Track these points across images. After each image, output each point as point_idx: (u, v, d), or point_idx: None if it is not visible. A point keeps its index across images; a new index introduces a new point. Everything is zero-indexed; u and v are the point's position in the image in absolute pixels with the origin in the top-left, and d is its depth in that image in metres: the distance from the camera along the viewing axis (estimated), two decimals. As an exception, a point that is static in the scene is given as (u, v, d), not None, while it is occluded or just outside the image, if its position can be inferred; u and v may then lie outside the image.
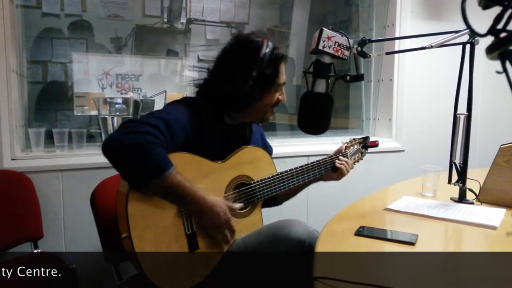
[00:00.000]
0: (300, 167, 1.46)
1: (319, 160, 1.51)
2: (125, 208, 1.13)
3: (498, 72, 0.53)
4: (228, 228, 1.25)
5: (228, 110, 1.37)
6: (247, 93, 1.29)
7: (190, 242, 1.22)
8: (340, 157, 1.53)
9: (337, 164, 1.51)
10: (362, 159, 1.67)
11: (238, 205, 1.31)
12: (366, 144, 1.67)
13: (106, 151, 1.12)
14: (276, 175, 1.42)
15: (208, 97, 1.36)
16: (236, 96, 1.29)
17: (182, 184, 1.15)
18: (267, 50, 1.30)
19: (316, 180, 1.54)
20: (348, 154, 1.59)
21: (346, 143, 1.62)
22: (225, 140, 1.35)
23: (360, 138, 1.67)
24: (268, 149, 1.57)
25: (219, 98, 1.33)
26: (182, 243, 1.21)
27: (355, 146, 1.64)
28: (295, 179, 1.45)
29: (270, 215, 1.48)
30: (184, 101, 1.35)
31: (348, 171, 1.53)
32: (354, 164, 1.62)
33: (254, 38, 1.34)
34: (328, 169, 1.52)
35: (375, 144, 1.69)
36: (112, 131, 2.04)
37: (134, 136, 1.10)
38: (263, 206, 1.48)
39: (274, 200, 1.58)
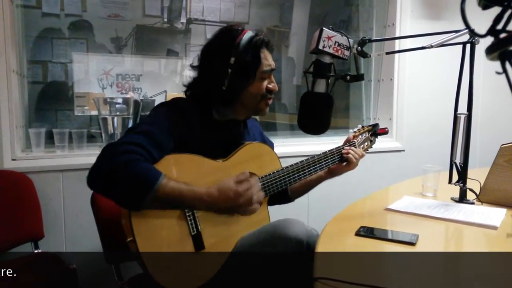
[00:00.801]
0: (306, 160, 1.44)
1: (326, 152, 1.48)
2: (128, 211, 1.12)
3: (498, 73, 0.52)
4: (250, 196, 1.19)
5: (216, 105, 1.34)
6: (229, 84, 1.27)
7: (196, 242, 1.21)
8: (345, 147, 1.51)
9: (344, 155, 1.49)
10: (371, 147, 1.64)
11: (245, 174, 1.24)
12: (375, 132, 1.64)
13: (91, 184, 1.09)
14: (281, 170, 1.40)
15: (195, 94, 1.35)
16: (218, 88, 1.27)
17: (178, 189, 1.12)
18: (245, 37, 1.28)
19: (329, 175, 1.52)
20: (356, 143, 1.56)
21: (354, 131, 1.60)
22: (215, 137, 1.33)
23: (369, 126, 1.64)
24: (269, 144, 1.55)
25: (203, 92, 1.32)
26: (187, 243, 1.20)
27: (364, 135, 1.61)
28: (301, 173, 1.42)
29: (270, 214, 1.47)
30: (167, 103, 1.33)
31: (357, 159, 1.50)
32: (366, 151, 1.59)
33: (234, 28, 1.33)
34: (336, 160, 1.49)
35: (384, 131, 1.65)
36: (112, 131, 2.04)
37: (113, 160, 1.07)
38: (275, 202, 1.47)
39: (286, 197, 1.57)
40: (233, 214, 1.25)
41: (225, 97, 1.30)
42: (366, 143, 1.62)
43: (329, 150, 1.50)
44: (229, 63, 1.26)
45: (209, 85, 1.31)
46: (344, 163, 1.51)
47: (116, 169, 1.06)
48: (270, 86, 1.36)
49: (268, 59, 1.34)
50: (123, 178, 1.06)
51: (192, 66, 1.38)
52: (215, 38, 1.35)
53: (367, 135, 1.63)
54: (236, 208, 1.19)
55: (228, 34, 1.32)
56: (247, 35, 1.29)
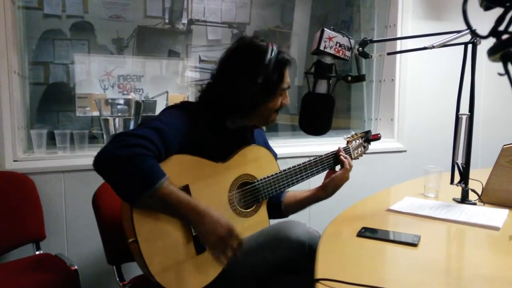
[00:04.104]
0: (303, 163, 1.46)
1: (322, 156, 1.50)
2: (130, 212, 1.12)
3: (500, 74, 0.52)
4: (232, 242, 1.15)
5: (232, 116, 1.35)
6: (251, 99, 1.28)
7: (197, 244, 1.21)
8: (341, 153, 1.51)
9: (341, 157, 1.49)
10: (365, 153, 1.66)
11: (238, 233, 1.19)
12: (368, 138, 1.66)
13: (97, 167, 1.10)
14: (279, 172, 1.42)
15: (211, 102, 1.34)
16: (240, 101, 1.28)
17: (176, 195, 1.12)
18: (273, 56, 1.28)
19: (324, 193, 1.49)
20: (351, 148, 1.59)
21: (348, 137, 1.62)
22: (224, 144, 1.34)
23: (362, 132, 1.67)
24: (272, 153, 1.54)
25: (223, 103, 1.31)
26: (189, 245, 1.20)
27: (357, 141, 1.63)
28: (298, 175, 1.45)
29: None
30: (180, 106, 1.33)
31: (350, 167, 1.49)
32: (357, 158, 1.62)
33: (259, 43, 1.31)
34: (331, 164, 1.51)
35: (377, 137, 1.67)
36: (114, 132, 2.04)
37: (123, 150, 1.08)
38: (268, 216, 1.47)
39: (279, 212, 1.56)
40: (211, 243, 1.15)
41: (245, 111, 1.31)
42: (359, 149, 1.64)
43: (324, 154, 1.51)
44: (256, 81, 1.26)
45: (230, 98, 1.29)
46: (337, 170, 1.50)
47: (126, 159, 1.07)
48: (283, 101, 1.37)
49: (287, 77, 1.35)
50: (130, 169, 1.07)
51: (212, 77, 1.37)
52: (240, 51, 1.33)
53: (361, 141, 1.65)
54: (219, 239, 1.14)
55: (255, 50, 1.30)
56: (274, 53, 1.28)
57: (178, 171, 1.18)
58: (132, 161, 1.07)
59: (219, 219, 1.15)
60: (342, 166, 1.49)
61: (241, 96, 1.27)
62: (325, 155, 1.51)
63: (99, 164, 1.10)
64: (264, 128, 1.59)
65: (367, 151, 1.68)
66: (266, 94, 1.30)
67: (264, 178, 1.39)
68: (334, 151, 1.53)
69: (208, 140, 1.29)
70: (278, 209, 1.54)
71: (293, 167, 1.45)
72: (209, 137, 1.30)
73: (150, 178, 1.08)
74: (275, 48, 1.30)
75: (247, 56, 1.30)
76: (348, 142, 1.60)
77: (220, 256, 1.15)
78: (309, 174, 1.47)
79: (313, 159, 1.49)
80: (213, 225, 1.14)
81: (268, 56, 1.27)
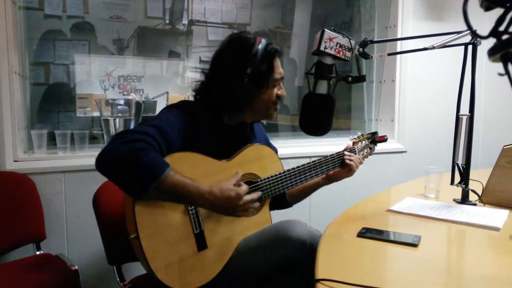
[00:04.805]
0: (308, 163, 1.46)
1: (327, 156, 1.50)
2: (132, 208, 1.13)
3: (501, 74, 0.52)
4: (246, 204, 1.23)
5: (228, 112, 1.36)
6: (244, 92, 1.28)
7: (198, 241, 1.22)
8: (347, 153, 1.53)
9: (346, 161, 1.51)
10: (371, 154, 1.66)
11: (237, 175, 1.28)
12: (374, 139, 1.66)
13: (99, 166, 1.10)
14: (283, 172, 1.42)
15: (206, 100, 1.35)
16: (233, 96, 1.29)
17: (183, 183, 1.13)
18: (260, 46, 1.29)
19: (327, 181, 1.54)
20: (356, 149, 1.58)
21: (354, 138, 1.62)
22: (224, 141, 1.34)
23: (368, 134, 1.67)
24: (273, 149, 1.55)
25: (216, 99, 1.32)
26: (190, 242, 1.21)
27: (363, 142, 1.63)
28: (302, 176, 1.44)
29: (272, 216, 1.47)
30: (178, 105, 1.33)
31: (357, 167, 1.52)
32: (364, 159, 1.62)
33: (246, 36, 1.34)
34: (336, 165, 1.51)
35: (383, 139, 1.67)
36: (114, 133, 2.05)
37: (124, 145, 1.08)
38: (273, 208, 1.48)
39: (284, 202, 1.58)
40: (231, 215, 1.26)
41: (239, 104, 1.32)
42: (365, 150, 1.64)
43: (329, 155, 1.51)
44: (245, 73, 1.27)
45: (223, 93, 1.31)
46: (345, 169, 1.52)
47: (127, 155, 1.07)
48: (279, 92, 1.39)
49: (279, 68, 1.37)
50: (133, 164, 1.07)
51: (204, 73, 1.38)
52: (228, 46, 1.35)
53: (367, 142, 1.65)
54: (234, 209, 1.21)
55: (242, 43, 1.32)
56: (262, 44, 1.30)
57: (181, 168, 1.18)
58: (134, 155, 1.07)
59: (226, 192, 1.19)
60: (349, 168, 1.51)
61: (232, 89, 1.28)
62: (330, 156, 1.51)
63: (102, 163, 1.10)
64: (264, 122, 1.59)
65: None
66: (258, 85, 1.31)
67: (268, 178, 1.39)
68: (340, 152, 1.53)
69: (208, 138, 1.29)
70: (283, 199, 1.56)
71: (297, 167, 1.44)
72: (209, 135, 1.30)
73: (154, 170, 1.08)
74: (263, 40, 1.32)
75: (236, 49, 1.32)
76: (354, 143, 1.60)
77: (250, 211, 1.28)
78: (313, 175, 1.47)
79: (317, 160, 1.48)
80: (227, 202, 1.18)
81: (255, 47, 1.29)
